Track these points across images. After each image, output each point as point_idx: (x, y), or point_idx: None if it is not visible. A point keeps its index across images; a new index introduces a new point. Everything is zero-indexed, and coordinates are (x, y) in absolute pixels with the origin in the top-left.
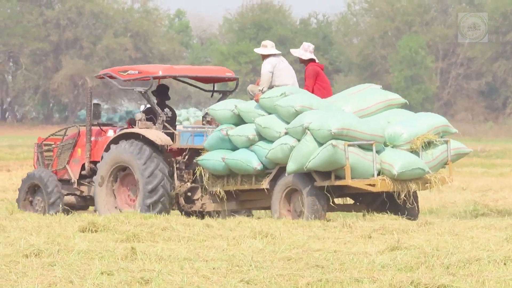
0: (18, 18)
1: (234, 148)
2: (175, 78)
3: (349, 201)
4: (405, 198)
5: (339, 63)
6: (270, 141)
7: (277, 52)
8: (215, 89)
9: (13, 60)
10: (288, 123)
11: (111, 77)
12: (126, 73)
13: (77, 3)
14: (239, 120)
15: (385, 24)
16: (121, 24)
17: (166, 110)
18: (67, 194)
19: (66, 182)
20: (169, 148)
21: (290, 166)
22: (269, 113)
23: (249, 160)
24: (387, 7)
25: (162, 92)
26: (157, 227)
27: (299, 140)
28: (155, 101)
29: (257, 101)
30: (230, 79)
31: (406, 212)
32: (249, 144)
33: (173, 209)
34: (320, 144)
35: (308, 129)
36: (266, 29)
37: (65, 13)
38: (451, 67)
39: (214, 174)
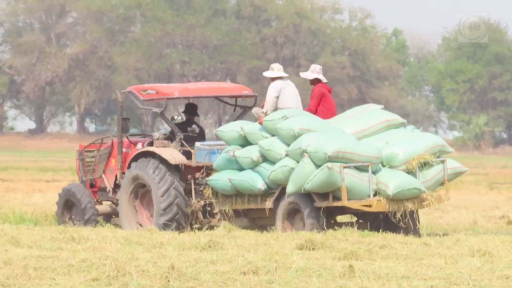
0: (236, 36)
1: (241, 169)
2: (189, 98)
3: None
4: (404, 216)
5: None
6: (273, 163)
7: (285, 75)
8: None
9: (230, 78)
10: (289, 145)
11: (134, 95)
12: (146, 92)
13: (294, 20)
14: (245, 142)
15: None
16: (339, 42)
17: (194, 127)
18: (106, 200)
19: (103, 189)
20: (186, 165)
21: (290, 188)
22: (272, 135)
23: (254, 180)
24: None
25: (190, 110)
26: (375, 245)
27: (298, 162)
28: (184, 119)
29: (260, 123)
30: (247, 96)
31: (407, 229)
32: (254, 166)
33: (193, 224)
34: (318, 166)
35: (305, 152)
36: (483, 47)
37: (282, 31)
38: None
39: (223, 194)
